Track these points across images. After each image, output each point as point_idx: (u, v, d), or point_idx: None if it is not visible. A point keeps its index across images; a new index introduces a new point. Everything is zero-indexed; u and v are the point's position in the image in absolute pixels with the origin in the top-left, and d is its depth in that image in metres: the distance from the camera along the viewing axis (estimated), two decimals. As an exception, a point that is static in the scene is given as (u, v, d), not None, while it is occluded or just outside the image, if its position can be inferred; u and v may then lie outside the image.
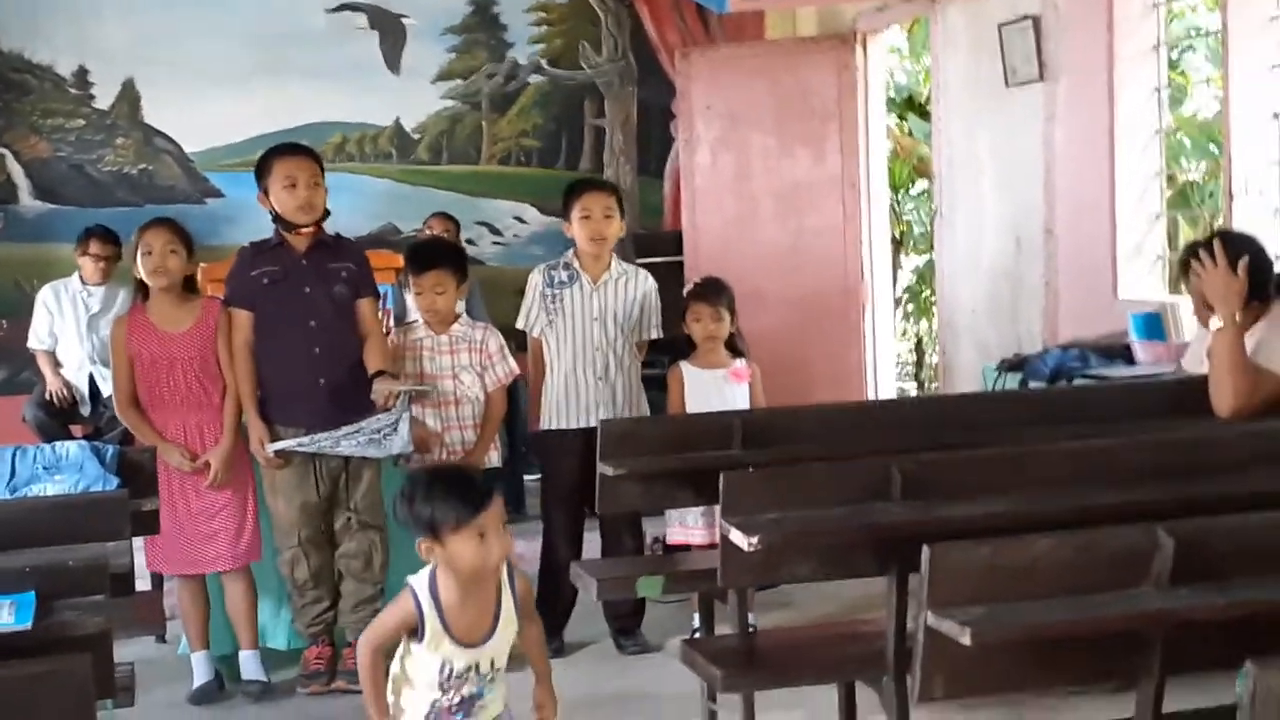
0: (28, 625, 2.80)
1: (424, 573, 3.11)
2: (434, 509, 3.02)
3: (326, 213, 4.98)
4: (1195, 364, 4.35)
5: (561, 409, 5.28)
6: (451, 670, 3.09)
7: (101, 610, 2.92)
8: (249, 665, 5.06)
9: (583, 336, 5.28)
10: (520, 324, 5.40)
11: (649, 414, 5.39)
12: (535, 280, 5.38)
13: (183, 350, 4.89)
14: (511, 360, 5.26)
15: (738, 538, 3.41)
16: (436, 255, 5.30)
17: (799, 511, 3.50)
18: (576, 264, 5.32)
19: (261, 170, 4.95)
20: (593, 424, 5.18)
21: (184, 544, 4.91)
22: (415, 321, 5.28)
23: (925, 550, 2.76)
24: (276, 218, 4.94)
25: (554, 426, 5.29)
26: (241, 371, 4.90)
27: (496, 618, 3.14)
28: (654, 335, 5.42)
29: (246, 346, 4.91)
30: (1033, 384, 5.14)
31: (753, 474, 3.64)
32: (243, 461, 4.99)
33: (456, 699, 3.12)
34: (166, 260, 4.85)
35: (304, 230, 4.91)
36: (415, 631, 3.09)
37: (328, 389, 4.88)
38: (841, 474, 3.64)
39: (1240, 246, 4.05)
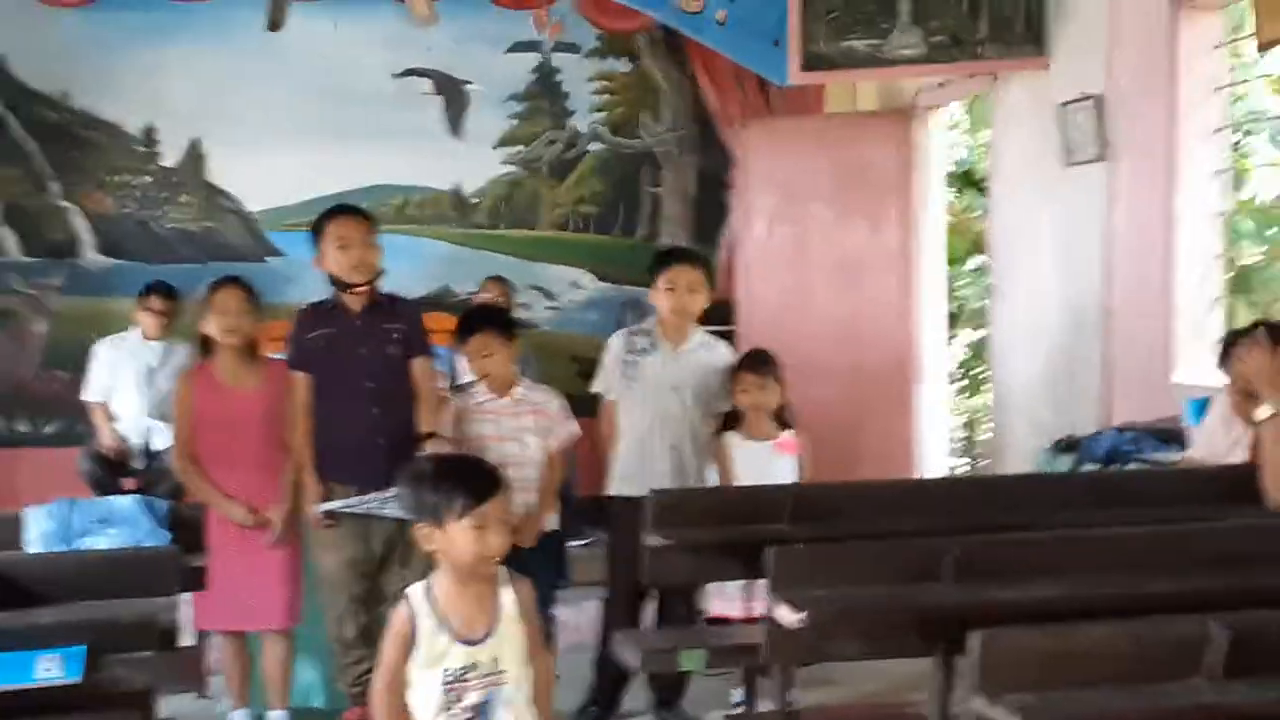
0: (78, 679, 2.82)
1: (420, 581, 3.14)
2: (440, 493, 3.04)
3: (381, 272, 5.03)
4: (1208, 452, 4.30)
5: (632, 476, 5.24)
6: (453, 675, 3.04)
7: (148, 667, 2.94)
8: None
9: (658, 405, 5.27)
10: (596, 387, 5.40)
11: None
12: (615, 345, 5.38)
13: (249, 409, 4.94)
14: (574, 422, 5.25)
15: (784, 614, 3.39)
16: (480, 320, 5.33)
17: (847, 589, 3.49)
18: (658, 331, 5.33)
19: (316, 232, 5.01)
20: None
21: (234, 601, 4.92)
22: (475, 384, 5.29)
23: (975, 635, 2.75)
24: (332, 279, 4.99)
25: (623, 493, 5.27)
26: (300, 433, 4.95)
27: (497, 617, 3.12)
28: (724, 408, 5.40)
29: (305, 408, 4.96)
30: (1086, 466, 5.09)
31: (801, 550, 3.63)
32: (293, 523, 5.02)
33: (467, 715, 3.05)
34: (241, 320, 4.92)
35: (358, 290, 4.95)
36: (411, 651, 3.04)
37: (383, 448, 4.90)
38: (891, 553, 3.63)
39: None
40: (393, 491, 4.83)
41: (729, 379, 5.31)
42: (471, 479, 3.07)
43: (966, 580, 3.48)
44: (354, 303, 4.97)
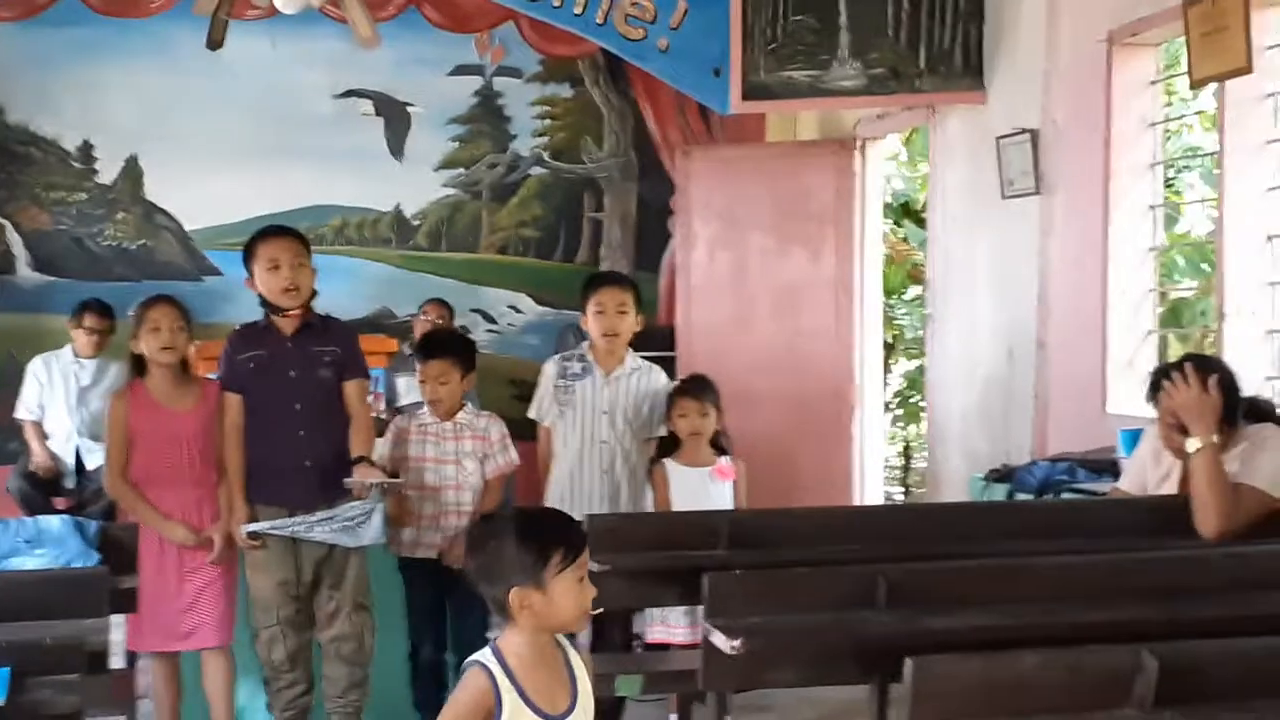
0: (1, 701, 2.77)
1: (485, 648, 2.79)
2: (534, 550, 2.70)
3: (314, 293, 5.00)
4: (1138, 484, 4.36)
5: (565, 501, 5.25)
6: None
7: (75, 690, 2.90)
8: None
9: (591, 430, 5.29)
10: (531, 413, 5.41)
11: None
12: (549, 370, 5.40)
13: (184, 428, 4.89)
14: (513, 451, 5.24)
15: (720, 640, 3.39)
16: (443, 345, 5.33)
17: (783, 616, 3.49)
18: (591, 356, 5.34)
19: (248, 253, 4.95)
20: None
21: (168, 622, 4.86)
22: (420, 407, 5.28)
23: (909, 663, 2.75)
24: (263, 301, 4.95)
25: None
26: (232, 453, 4.90)
27: (574, 686, 2.81)
28: (660, 433, 5.41)
29: (236, 429, 4.91)
30: (1020, 496, 5.13)
31: (737, 576, 3.62)
32: (230, 541, 4.98)
33: None
34: (176, 338, 4.87)
35: (291, 313, 4.91)
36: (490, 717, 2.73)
37: (314, 471, 4.87)
38: (827, 580, 3.63)
39: (1210, 368, 4.07)
40: (317, 516, 4.81)
41: (666, 404, 5.33)
42: (565, 529, 2.80)
43: (902, 607, 3.48)
44: (286, 325, 4.92)
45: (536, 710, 2.73)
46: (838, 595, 3.55)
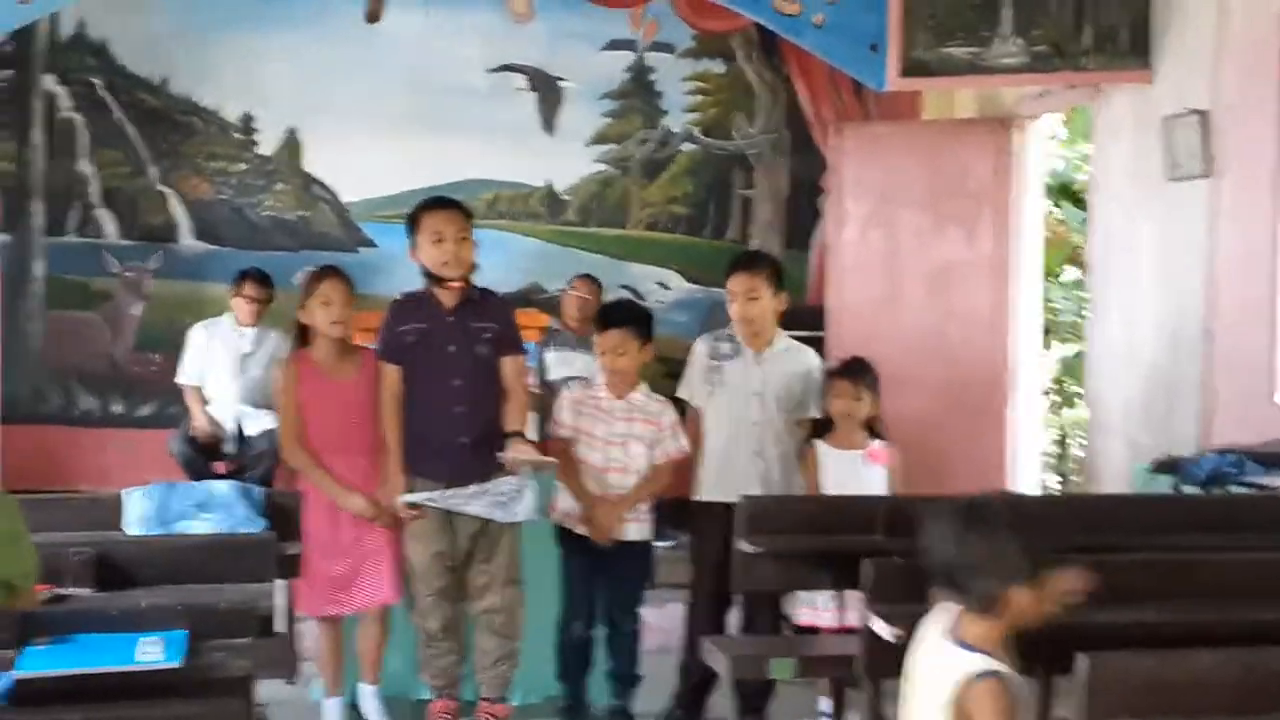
0: (177, 663, 2.84)
1: (972, 655, 2.71)
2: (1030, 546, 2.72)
3: (474, 266, 5.03)
4: None
5: (714, 482, 5.24)
6: None
7: (247, 653, 2.96)
8: (368, 702, 5.14)
9: (741, 411, 5.24)
10: (681, 393, 5.39)
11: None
12: (699, 350, 5.37)
13: (349, 397, 4.99)
14: (683, 438, 5.22)
15: (880, 627, 3.36)
16: (622, 316, 5.32)
17: (944, 605, 3.43)
18: (740, 336, 5.29)
19: (412, 224, 5.01)
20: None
21: (334, 587, 4.96)
22: (597, 379, 5.29)
23: (1084, 658, 2.70)
24: (425, 272, 5.00)
25: (704, 498, 5.26)
26: (389, 423, 4.97)
27: None
28: (813, 414, 5.34)
29: (395, 399, 4.98)
30: (1185, 488, 4.99)
31: (898, 563, 3.59)
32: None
33: None
34: (345, 312, 4.98)
35: (451, 284, 4.95)
36: None
37: (469, 446, 4.92)
38: (990, 569, 3.56)
39: None
40: (471, 489, 4.86)
41: (819, 385, 5.28)
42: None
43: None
44: (447, 297, 4.97)
45: None
46: (1001, 585, 3.48)
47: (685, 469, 5.36)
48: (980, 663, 2.68)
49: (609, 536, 5.11)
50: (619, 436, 5.16)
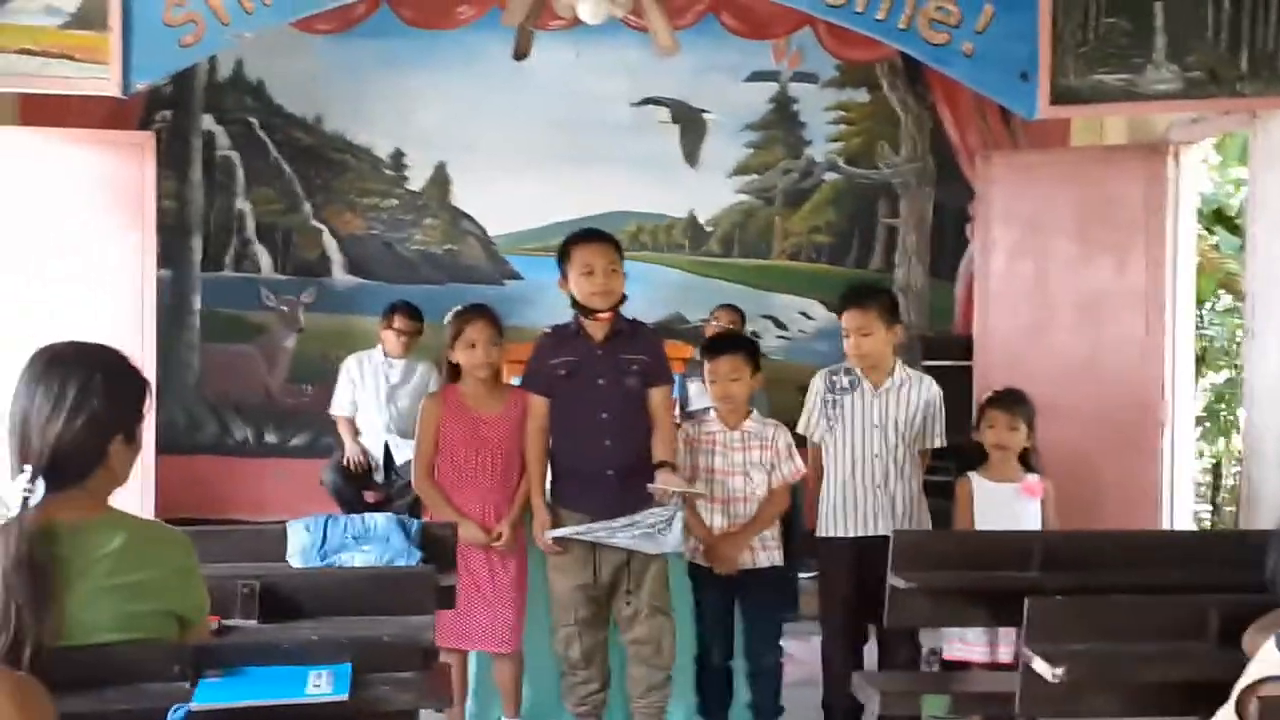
0: (345, 697, 2.88)
1: None
2: None
3: (624, 298, 5.07)
4: None
5: (838, 516, 5.23)
6: None
7: (412, 687, 3.00)
8: None
9: (862, 444, 5.22)
10: (801, 428, 5.38)
11: (929, 525, 5.27)
12: (817, 385, 5.36)
13: (493, 433, 5.07)
14: (799, 459, 5.24)
15: (1041, 667, 3.32)
16: (731, 343, 5.37)
17: (1106, 645, 3.39)
18: (858, 370, 5.28)
19: (562, 256, 5.06)
20: (869, 533, 5.16)
21: (467, 620, 5.03)
22: (708, 413, 5.31)
23: (1255, 701, 2.63)
24: (575, 303, 5.05)
25: (830, 534, 5.26)
26: (535, 456, 5.04)
27: None
28: (937, 444, 5.32)
29: (541, 433, 5.04)
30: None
31: (1059, 602, 3.54)
32: (522, 547, 5.13)
33: None
34: (490, 353, 5.06)
35: (601, 316, 4.99)
36: None
37: (616, 479, 4.95)
38: (1152, 609, 3.52)
39: None
40: (620, 522, 4.89)
41: (941, 414, 5.25)
42: None
43: (1232, 642, 3.34)
44: (596, 329, 5.01)
45: None
46: (1164, 626, 3.44)
47: (813, 500, 5.36)
48: None
49: (734, 567, 5.12)
50: (739, 466, 5.17)
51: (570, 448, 5.01)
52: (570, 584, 4.99)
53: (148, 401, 2.84)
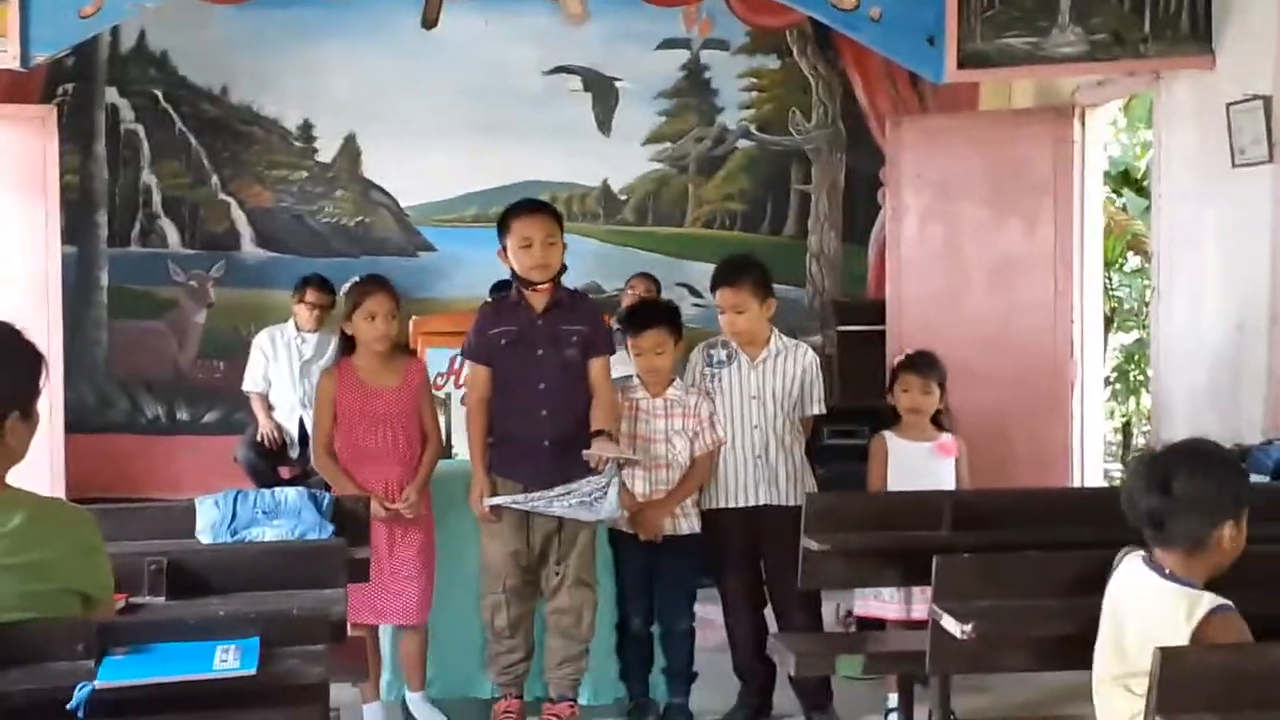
0: (252, 670, 2.86)
1: (1204, 594, 2.93)
2: (1241, 483, 3.05)
3: (564, 268, 5.05)
4: None
5: (722, 488, 5.25)
6: None
7: (322, 660, 2.98)
8: (420, 708, 5.18)
9: (741, 416, 5.25)
10: None
11: (815, 490, 5.28)
12: (695, 359, 5.38)
13: (389, 407, 5.04)
14: (720, 429, 5.23)
15: (950, 624, 3.35)
16: (654, 315, 5.35)
17: (1014, 601, 3.44)
18: (735, 343, 5.30)
19: (501, 228, 5.04)
20: (752, 503, 5.20)
21: (375, 595, 4.99)
22: (631, 380, 5.31)
23: (1157, 652, 2.68)
24: (514, 274, 5.02)
25: (716, 505, 5.27)
26: (476, 425, 5.01)
27: None
28: (816, 410, 5.36)
29: (482, 402, 5.02)
30: (1255, 477, 4.93)
31: (967, 559, 3.58)
32: (429, 521, 5.11)
33: None
34: (389, 325, 5.02)
35: (540, 288, 4.98)
36: None
37: (551, 448, 4.94)
38: (1057, 564, 3.56)
39: None
40: (556, 491, 4.88)
41: (819, 382, 5.28)
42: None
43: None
44: (536, 300, 5.00)
45: None
46: (1069, 580, 3.49)
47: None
48: (1209, 598, 2.89)
49: (658, 533, 5.13)
50: (661, 433, 5.18)
51: (507, 416, 5.00)
52: (504, 551, 4.97)
53: (44, 376, 2.79)
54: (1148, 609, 2.97)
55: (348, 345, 5.13)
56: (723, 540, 5.27)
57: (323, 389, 5.13)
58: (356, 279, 5.22)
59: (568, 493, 4.86)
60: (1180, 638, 2.83)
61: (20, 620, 2.71)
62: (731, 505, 5.23)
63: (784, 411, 5.26)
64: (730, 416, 5.24)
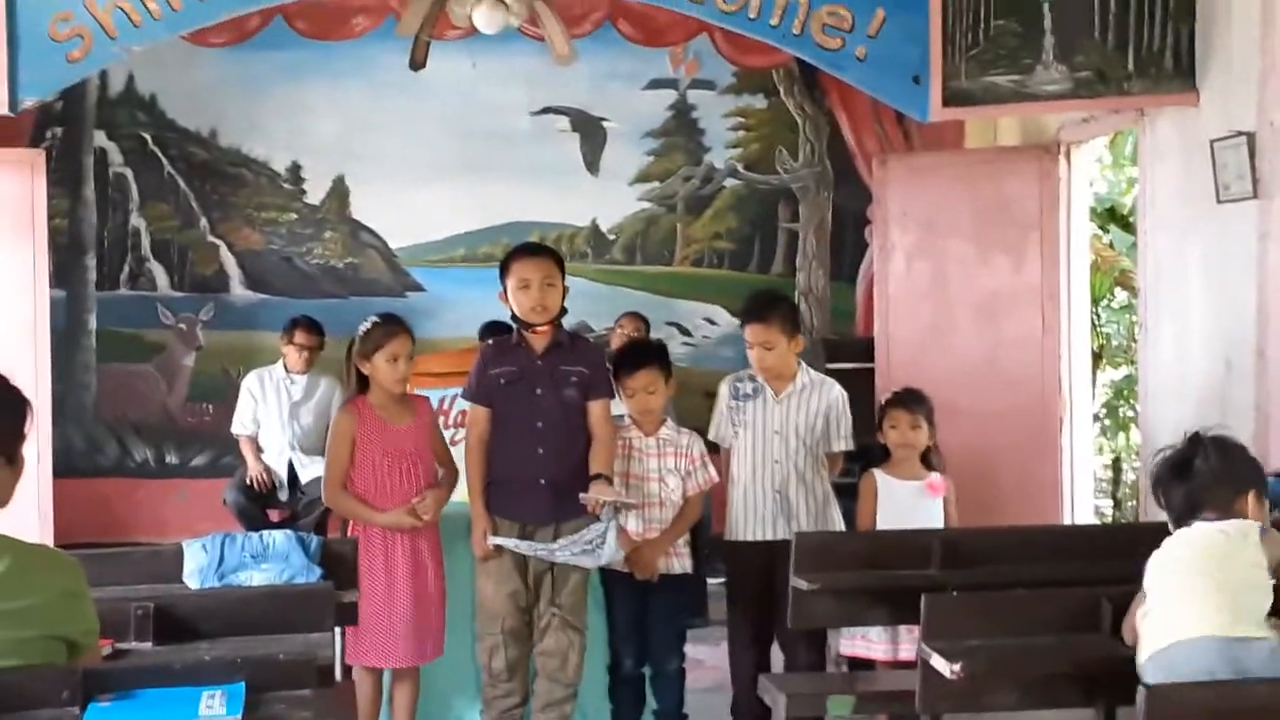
0: (238, 716, 2.85)
1: None
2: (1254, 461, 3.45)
3: (564, 311, 5.07)
4: None
5: (740, 521, 5.26)
6: None
7: (309, 705, 2.96)
8: None
9: (763, 450, 5.26)
10: (711, 435, 5.41)
11: (840, 527, 5.30)
12: (723, 392, 5.40)
13: (408, 444, 5.04)
14: (712, 468, 5.24)
15: (940, 664, 3.34)
16: (646, 355, 5.35)
17: (1004, 640, 3.43)
18: (761, 376, 5.31)
19: (502, 270, 5.07)
20: (769, 537, 5.19)
21: (390, 637, 4.96)
22: (623, 420, 5.30)
23: (1143, 690, 2.67)
24: (514, 317, 5.05)
25: (734, 538, 5.28)
26: (475, 465, 5.01)
27: None
28: (843, 446, 5.35)
29: (481, 442, 5.02)
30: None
31: (956, 598, 3.58)
32: (437, 555, 5.09)
33: None
34: (409, 368, 5.07)
35: (539, 329, 5.00)
36: None
37: (548, 489, 4.93)
38: (1048, 602, 3.56)
39: None
40: (559, 543, 4.87)
41: (846, 417, 5.28)
42: None
43: (1125, 632, 3.39)
44: (536, 342, 5.01)
45: None
46: (1060, 618, 3.49)
47: (722, 506, 5.38)
48: (1252, 525, 3.27)
49: (654, 572, 5.12)
50: (654, 471, 5.18)
51: (504, 455, 4.99)
52: (501, 592, 4.94)
53: (29, 422, 2.78)
54: (1216, 552, 3.24)
55: (362, 384, 5.13)
56: (737, 573, 5.27)
57: (341, 426, 5.11)
58: (375, 319, 5.19)
59: (571, 542, 4.88)
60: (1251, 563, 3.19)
61: (5, 668, 2.69)
62: (748, 539, 5.21)
63: (806, 447, 5.26)
64: (752, 450, 5.25)
